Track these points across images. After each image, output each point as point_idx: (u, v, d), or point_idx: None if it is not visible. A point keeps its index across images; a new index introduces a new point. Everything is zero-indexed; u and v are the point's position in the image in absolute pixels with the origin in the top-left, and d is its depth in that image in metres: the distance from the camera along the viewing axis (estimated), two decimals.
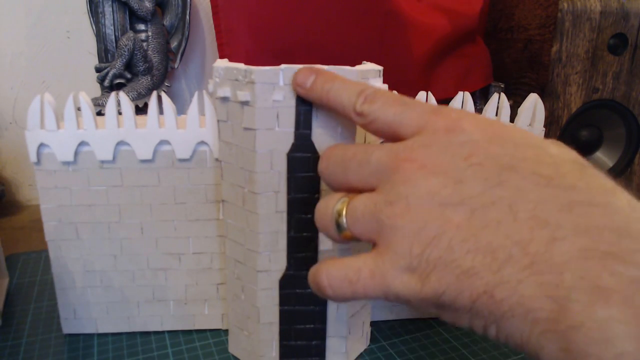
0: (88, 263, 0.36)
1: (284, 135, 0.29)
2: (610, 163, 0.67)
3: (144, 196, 0.35)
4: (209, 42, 0.71)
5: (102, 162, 0.34)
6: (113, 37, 0.59)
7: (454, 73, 0.67)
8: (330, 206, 0.23)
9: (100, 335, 0.38)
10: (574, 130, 0.65)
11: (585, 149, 0.67)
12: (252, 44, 0.62)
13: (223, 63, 0.31)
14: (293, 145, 0.29)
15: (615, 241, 0.16)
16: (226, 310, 0.38)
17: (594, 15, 0.59)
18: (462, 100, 0.35)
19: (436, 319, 0.41)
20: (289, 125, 0.29)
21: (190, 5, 0.64)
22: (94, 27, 0.61)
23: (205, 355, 0.36)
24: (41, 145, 0.33)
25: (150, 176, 0.35)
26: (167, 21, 0.64)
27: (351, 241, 0.22)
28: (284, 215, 0.31)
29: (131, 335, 0.38)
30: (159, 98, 0.34)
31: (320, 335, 0.34)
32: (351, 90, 0.24)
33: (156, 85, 0.62)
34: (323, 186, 0.30)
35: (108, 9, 0.58)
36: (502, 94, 0.36)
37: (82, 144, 0.34)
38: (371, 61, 0.33)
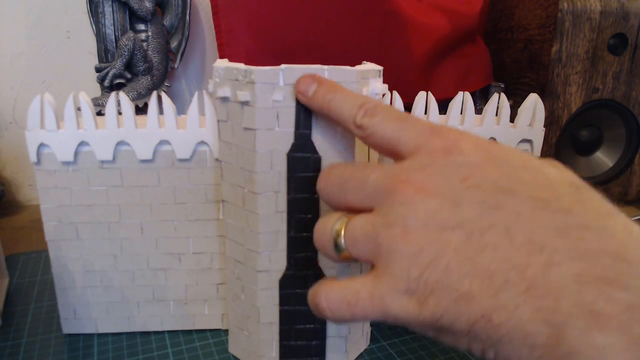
0: (88, 263, 0.36)
1: (284, 135, 0.29)
2: (610, 163, 0.67)
3: (144, 196, 0.35)
4: (209, 42, 0.71)
5: (102, 162, 0.34)
6: (113, 37, 0.59)
7: (454, 73, 0.67)
8: (328, 226, 0.23)
9: (100, 335, 0.38)
10: (574, 130, 0.65)
11: (585, 149, 0.67)
12: (252, 44, 0.62)
13: (223, 63, 0.31)
14: (293, 145, 0.29)
15: (611, 266, 0.16)
16: (226, 310, 0.38)
17: (594, 15, 0.59)
18: (462, 100, 0.35)
19: None
20: (289, 125, 0.29)
21: (190, 5, 0.64)
22: (94, 27, 0.61)
23: (205, 355, 0.36)
24: (41, 145, 0.33)
25: (150, 176, 0.35)
26: (167, 21, 0.64)
27: (350, 261, 0.22)
28: (284, 215, 0.31)
29: (131, 335, 0.38)
30: (159, 98, 0.34)
31: (320, 335, 0.34)
32: (352, 102, 0.25)
33: (156, 85, 0.62)
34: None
35: (108, 9, 0.58)
36: (502, 94, 0.36)
37: (82, 144, 0.34)
38: (371, 61, 0.33)
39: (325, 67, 0.28)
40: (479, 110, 0.37)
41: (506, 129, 0.36)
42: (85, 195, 0.35)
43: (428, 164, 0.20)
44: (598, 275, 0.16)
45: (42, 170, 0.34)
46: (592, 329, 0.16)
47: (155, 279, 0.37)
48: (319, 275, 0.32)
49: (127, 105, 0.33)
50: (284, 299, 0.33)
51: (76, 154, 0.34)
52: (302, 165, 0.30)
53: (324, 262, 0.32)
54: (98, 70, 0.60)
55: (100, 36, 0.60)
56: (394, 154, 0.22)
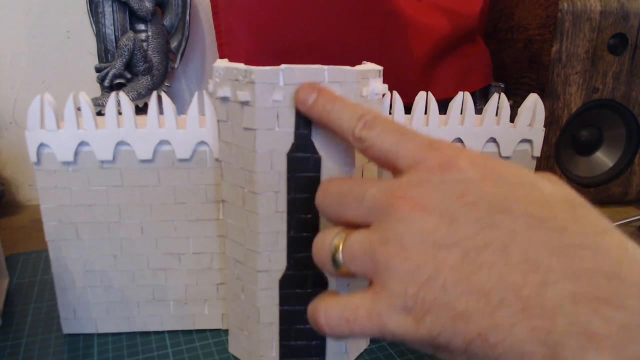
0: (88, 263, 0.36)
1: (284, 135, 0.29)
2: (610, 163, 0.67)
3: (144, 196, 0.35)
4: (209, 42, 0.71)
5: (102, 162, 0.34)
6: (113, 37, 0.59)
7: (454, 73, 0.67)
8: (327, 241, 0.23)
9: (100, 335, 0.38)
10: (574, 130, 0.65)
11: (585, 149, 0.67)
12: (252, 44, 0.62)
13: (223, 63, 0.31)
14: (293, 145, 0.29)
15: (606, 285, 0.16)
16: (226, 310, 0.38)
17: (594, 15, 0.59)
18: (462, 100, 0.35)
19: None
20: (289, 125, 0.29)
21: (190, 5, 0.64)
22: (94, 27, 0.61)
23: (205, 355, 0.36)
24: (41, 145, 0.33)
25: (150, 176, 0.35)
26: (167, 21, 0.64)
27: (348, 277, 0.22)
28: (284, 215, 0.31)
29: (131, 335, 0.38)
30: (159, 98, 0.34)
31: (320, 335, 0.34)
32: (351, 113, 0.25)
33: (156, 85, 0.62)
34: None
35: (108, 9, 0.58)
36: (502, 94, 0.36)
37: (82, 144, 0.34)
38: (371, 61, 0.33)
39: (325, 67, 0.28)
40: (479, 110, 0.37)
41: (506, 129, 0.36)
42: (85, 195, 0.35)
43: (425, 181, 0.20)
44: (593, 294, 0.16)
45: (42, 170, 0.34)
46: (587, 349, 0.16)
47: (155, 279, 0.37)
48: (319, 275, 0.32)
49: (127, 105, 0.33)
50: (284, 299, 0.33)
51: (76, 154, 0.34)
52: (302, 165, 0.30)
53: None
54: (98, 70, 0.60)
55: (100, 36, 0.60)
56: (392, 167, 0.23)
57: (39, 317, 0.41)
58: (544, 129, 0.36)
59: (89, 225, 0.36)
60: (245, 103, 0.29)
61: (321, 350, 0.34)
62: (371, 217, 0.21)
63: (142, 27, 0.61)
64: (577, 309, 0.16)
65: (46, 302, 0.43)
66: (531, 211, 0.18)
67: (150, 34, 0.61)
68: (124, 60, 0.59)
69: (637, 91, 0.63)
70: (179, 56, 0.65)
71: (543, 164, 0.64)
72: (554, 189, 0.20)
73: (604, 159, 0.67)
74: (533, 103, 0.36)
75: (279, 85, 0.28)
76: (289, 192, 0.30)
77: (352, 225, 0.23)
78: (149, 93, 0.60)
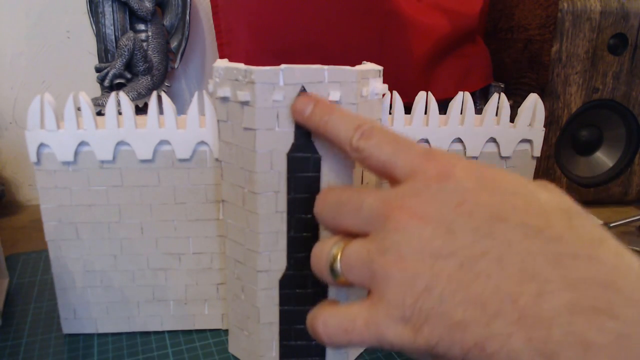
0: (88, 263, 0.36)
1: (284, 135, 0.29)
2: (610, 163, 0.67)
3: (144, 196, 0.35)
4: (209, 42, 0.71)
5: (102, 162, 0.34)
6: (113, 37, 0.59)
7: (454, 73, 0.67)
8: (325, 250, 0.23)
9: (100, 335, 0.38)
10: (574, 130, 0.65)
11: (585, 149, 0.67)
12: (252, 44, 0.62)
13: (223, 63, 0.31)
14: (293, 145, 0.29)
15: (602, 295, 0.16)
16: (226, 310, 0.38)
17: (594, 15, 0.59)
18: (462, 100, 0.36)
19: None
20: (289, 125, 0.29)
21: (190, 5, 0.64)
22: (94, 27, 0.61)
23: (205, 355, 0.36)
24: (41, 145, 0.33)
25: (150, 176, 0.35)
26: (167, 21, 0.64)
27: (347, 286, 0.23)
28: (284, 215, 0.31)
29: (131, 335, 0.38)
30: (159, 98, 0.34)
31: None
32: (348, 124, 0.25)
33: (156, 85, 0.62)
34: (323, 188, 0.30)
35: (108, 9, 0.58)
36: (502, 94, 0.36)
37: (82, 144, 0.34)
38: (371, 61, 0.33)
39: (325, 67, 0.28)
40: (479, 110, 0.37)
41: (506, 129, 0.36)
42: (85, 195, 0.35)
43: (422, 190, 0.21)
44: (589, 304, 0.16)
45: (42, 170, 0.34)
46: (583, 359, 0.16)
47: (155, 279, 0.37)
48: None
49: (127, 105, 0.33)
50: (284, 299, 0.33)
51: (76, 154, 0.34)
52: (302, 165, 0.30)
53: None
54: (98, 70, 0.60)
55: (100, 36, 0.60)
56: (389, 177, 0.23)
57: (39, 317, 0.41)
58: (544, 129, 0.36)
59: (89, 225, 0.36)
60: (245, 103, 0.29)
61: (321, 350, 0.34)
62: (369, 227, 0.22)
63: (142, 27, 0.61)
64: (573, 319, 0.16)
65: (46, 302, 0.43)
66: (527, 221, 0.19)
67: (150, 34, 0.61)
68: (124, 60, 0.59)
69: (637, 91, 0.63)
70: (179, 56, 0.65)
71: (543, 164, 0.64)
72: (550, 197, 0.20)
73: (604, 159, 0.67)
74: (533, 103, 0.36)
75: (279, 85, 0.28)
76: (289, 192, 0.30)
77: (350, 234, 0.23)
78: (149, 93, 0.60)
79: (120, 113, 0.33)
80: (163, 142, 0.34)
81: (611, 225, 0.57)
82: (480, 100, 0.69)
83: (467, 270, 0.18)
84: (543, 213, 0.19)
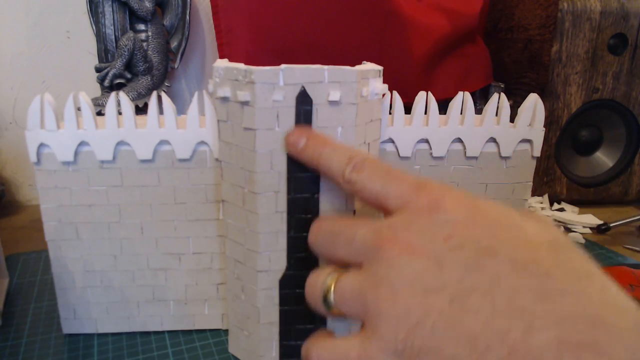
0: (88, 263, 0.36)
1: (284, 135, 0.29)
2: (610, 163, 0.67)
3: (144, 196, 0.35)
4: (209, 42, 0.71)
5: (102, 162, 0.34)
6: (113, 37, 0.59)
7: (454, 73, 0.67)
8: (319, 282, 0.24)
9: (100, 335, 0.38)
10: (574, 130, 0.65)
11: (585, 149, 0.67)
12: (252, 44, 0.62)
13: (223, 63, 0.31)
14: None
15: (589, 331, 0.17)
16: (226, 310, 0.38)
17: (594, 15, 0.59)
18: (462, 100, 0.35)
19: None
20: (289, 125, 0.29)
21: (190, 5, 0.64)
22: (94, 27, 0.61)
23: (205, 355, 0.36)
24: (41, 145, 0.33)
25: (150, 176, 0.35)
26: (167, 21, 0.64)
27: (341, 317, 0.23)
28: (284, 215, 0.31)
29: (131, 335, 0.38)
30: (159, 98, 0.34)
31: None
32: (340, 157, 0.26)
33: (156, 85, 0.62)
34: (323, 186, 0.30)
35: (108, 9, 0.58)
36: (502, 94, 0.36)
37: (82, 144, 0.34)
38: (371, 61, 0.33)
39: (325, 67, 0.28)
40: (479, 110, 0.37)
41: (506, 129, 0.36)
42: (85, 195, 0.35)
43: (413, 222, 0.21)
44: (576, 341, 0.17)
45: (42, 170, 0.34)
46: None
47: (155, 279, 0.37)
48: None
49: (127, 105, 0.33)
50: (284, 299, 0.33)
51: (76, 154, 0.34)
52: (302, 165, 0.30)
53: (324, 263, 0.32)
54: (98, 70, 0.60)
55: (100, 36, 0.60)
56: (382, 208, 0.23)
57: (39, 317, 0.41)
58: (544, 129, 0.36)
59: (89, 225, 0.36)
60: (245, 103, 0.29)
61: None
62: (362, 257, 0.22)
63: (142, 27, 0.61)
64: (561, 355, 0.16)
65: (46, 302, 0.43)
66: (515, 255, 0.19)
67: (150, 34, 0.61)
68: (124, 60, 0.59)
69: (637, 91, 0.63)
70: (179, 56, 0.65)
71: (543, 164, 0.64)
72: (538, 230, 0.20)
73: (604, 159, 0.67)
74: (533, 103, 0.36)
75: (279, 85, 0.28)
76: (289, 192, 0.30)
77: (344, 264, 0.23)
78: (149, 93, 0.60)
79: (120, 113, 0.33)
80: (163, 142, 0.34)
81: (611, 225, 0.57)
82: (480, 100, 0.69)
83: (457, 306, 0.19)
84: (531, 247, 0.19)
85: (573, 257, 0.19)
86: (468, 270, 0.19)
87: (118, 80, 0.59)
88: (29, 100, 0.33)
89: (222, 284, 0.38)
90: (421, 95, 0.36)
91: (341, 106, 0.29)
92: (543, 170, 0.65)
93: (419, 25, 0.63)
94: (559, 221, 0.60)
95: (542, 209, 0.63)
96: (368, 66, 0.31)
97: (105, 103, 0.37)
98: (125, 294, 0.37)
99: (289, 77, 0.28)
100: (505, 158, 0.37)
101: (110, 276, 0.37)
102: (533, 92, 0.37)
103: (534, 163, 0.38)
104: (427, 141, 0.36)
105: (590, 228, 0.59)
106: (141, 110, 0.58)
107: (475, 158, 0.37)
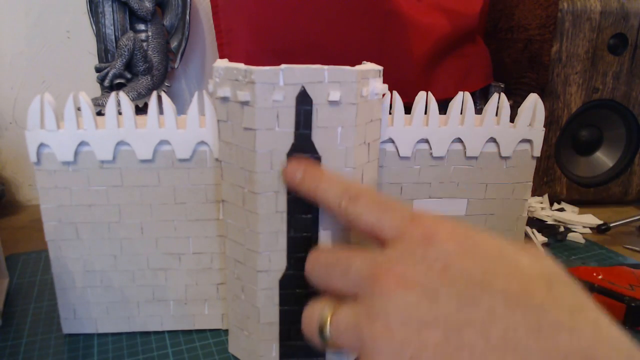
0: (88, 263, 0.36)
1: (284, 135, 0.29)
2: (610, 163, 0.67)
3: (144, 196, 0.35)
4: (209, 42, 0.71)
5: (102, 162, 0.34)
6: (113, 37, 0.59)
7: (454, 73, 0.67)
8: (315, 314, 0.24)
9: (100, 335, 0.38)
10: (574, 130, 0.65)
11: (585, 149, 0.67)
12: (252, 44, 0.62)
13: (223, 63, 0.31)
14: (293, 145, 0.29)
15: None
16: (226, 310, 0.38)
17: (594, 15, 0.59)
18: (462, 100, 0.36)
19: None
20: (289, 125, 0.29)
21: (190, 5, 0.64)
22: (94, 27, 0.61)
23: (205, 355, 0.36)
24: (41, 145, 0.33)
25: (150, 176, 0.35)
26: (167, 21, 0.64)
27: (337, 349, 0.23)
28: (284, 215, 0.31)
29: (131, 335, 0.38)
30: (159, 98, 0.34)
31: None
32: (336, 189, 0.26)
33: (156, 85, 0.62)
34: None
35: (108, 9, 0.58)
36: (502, 94, 0.36)
37: (82, 144, 0.34)
38: (371, 61, 0.33)
39: (325, 67, 0.28)
40: (479, 110, 0.37)
41: (506, 129, 0.36)
42: (85, 195, 0.35)
43: (408, 255, 0.21)
44: None
45: (42, 170, 0.34)
46: None
47: (155, 279, 0.37)
48: None
49: (127, 105, 0.33)
50: (284, 299, 0.33)
51: (76, 154, 0.34)
52: None
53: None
54: (98, 70, 0.60)
55: (100, 36, 0.60)
56: (377, 238, 0.24)
57: (39, 317, 0.41)
58: (544, 129, 0.36)
59: (89, 225, 0.36)
60: (245, 103, 0.29)
61: (321, 351, 0.34)
62: (357, 288, 0.23)
63: (142, 27, 0.61)
64: None
65: (46, 302, 0.43)
66: (508, 288, 0.19)
67: (150, 34, 0.61)
68: (124, 60, 0.59)
69: (637, 91, 0.63)
70: (179, 56, 0.65)
71: (543, 164, 0.64)
72: (532, 263, 0.20)
73: (604, 159, 0.67)
74: (533, 103, 0.36)
75: (279, 85, 0.28)
76: (289, 192, 0.30)
77: (340, 294, 0.24)
78: (149, 93, 0.60)
79: (120, 113, 0.33)
80: (163, 142, 0.34)
81: (611, 225, 0.57)
82: (480, 100, 0.69)
83: (452, 342, 0.19)
84: (524, 280, 0.20)
85: (566, 291, 0.19)
86: (462, 304, 0.19)
87: (118, 80, 0.59)
88: (29, 100, 0.33)
89: (222, 284, 0.38)
90: (421, 95, 0.36)
91: (341, 106, 0.29)
92: (543, 170, 0.65)
93: (419, 25, 0.63)
94: (559, 221, 0.60)
95: (542, 209, 0.63)
96: (368, 66, 0.31)
97: (105, 103, 0.37)
98: (125, 294, 0.37)
99: (289, 77, 0.28)
100: (505, 158, 0.37)
101: (110, 276, 0.37)
102: (533, 92, 0.37)
103: (534, 163, 0.38)
104: (427, 141, 0.36)
105: (590, 228, 0.59)
106: (141, 110, 0.58)
107: (475, 158, 0.37)
